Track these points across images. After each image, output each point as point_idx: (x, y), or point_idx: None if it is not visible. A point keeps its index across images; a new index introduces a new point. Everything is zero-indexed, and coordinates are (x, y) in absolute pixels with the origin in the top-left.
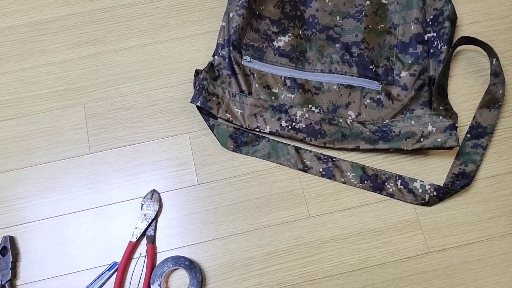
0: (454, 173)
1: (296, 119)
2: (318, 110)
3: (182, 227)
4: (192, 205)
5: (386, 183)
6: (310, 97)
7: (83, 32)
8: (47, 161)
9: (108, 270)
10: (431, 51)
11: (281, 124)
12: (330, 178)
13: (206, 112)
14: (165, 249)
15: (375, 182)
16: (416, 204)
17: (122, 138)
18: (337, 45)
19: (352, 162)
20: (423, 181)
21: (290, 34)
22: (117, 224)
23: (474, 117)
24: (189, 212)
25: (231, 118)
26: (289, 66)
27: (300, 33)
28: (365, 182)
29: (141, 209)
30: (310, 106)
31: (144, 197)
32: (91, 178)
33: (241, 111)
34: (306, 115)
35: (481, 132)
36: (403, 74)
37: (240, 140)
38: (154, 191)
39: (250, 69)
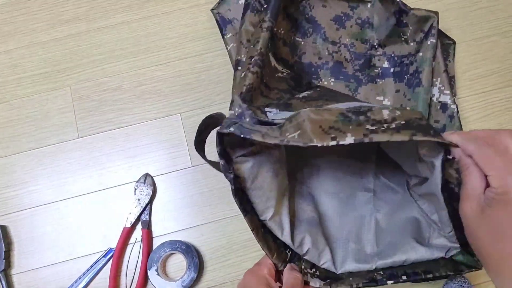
0: None
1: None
2: None
3: (177, 210)
4: (186, 188)
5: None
6: None
7: (65, 10)
8: (35, 147)
9: (103, 256)
10: None
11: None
12: None
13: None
14: (161, 233)
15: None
16: None
17: (111, 121)
18: None
19: None
20: None
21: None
22: (111, 210)
23: None
24: (184, 195)
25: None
26: None
27: None
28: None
29: (135, 194)
30: None
31: (137, 182)
32: (81, 163)
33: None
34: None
35: None
36: None
37: None
38: (147, 174)
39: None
